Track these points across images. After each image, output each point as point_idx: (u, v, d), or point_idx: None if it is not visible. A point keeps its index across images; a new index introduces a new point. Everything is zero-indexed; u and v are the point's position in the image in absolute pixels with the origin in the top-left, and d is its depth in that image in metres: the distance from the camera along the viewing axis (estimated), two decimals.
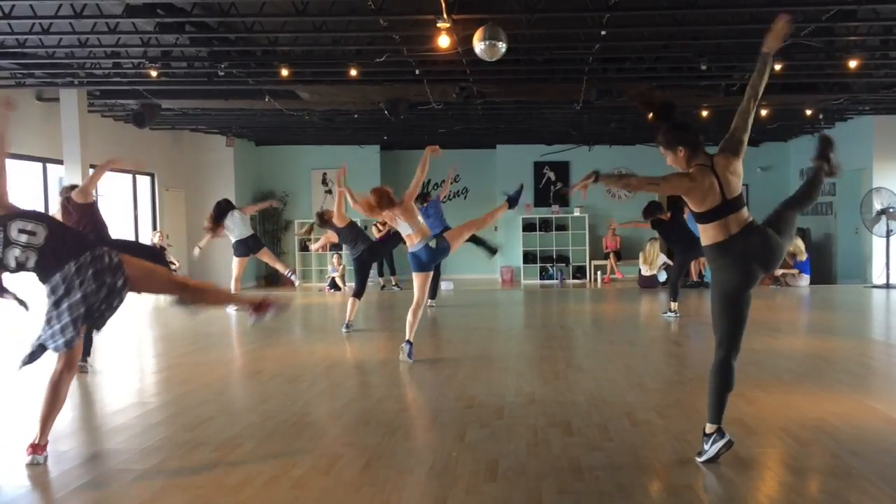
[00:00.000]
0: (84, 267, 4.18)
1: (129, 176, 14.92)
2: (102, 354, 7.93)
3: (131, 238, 13.83)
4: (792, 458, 4.30)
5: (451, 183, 12.59)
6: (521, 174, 18.23)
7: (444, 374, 6.75)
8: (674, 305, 10.19)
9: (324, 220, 9.75)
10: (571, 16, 8.30)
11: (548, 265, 17.97)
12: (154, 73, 10.15)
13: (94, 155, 11.57)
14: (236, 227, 11.19)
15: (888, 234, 14.08)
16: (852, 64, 9.75)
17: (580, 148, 18.10)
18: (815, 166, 4.62)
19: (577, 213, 17.88)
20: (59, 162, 11.61)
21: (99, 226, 6.94)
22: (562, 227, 17.96)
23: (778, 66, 9.23)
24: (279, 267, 11.68)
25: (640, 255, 15.94)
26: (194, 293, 4.75)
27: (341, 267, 16.39)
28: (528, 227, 17.83)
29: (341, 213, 9.53)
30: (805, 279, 14.94)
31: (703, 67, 9.87)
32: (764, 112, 13.13)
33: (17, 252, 4.16)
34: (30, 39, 9.02)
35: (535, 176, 18.36)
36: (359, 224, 10.54)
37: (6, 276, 4.34)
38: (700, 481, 3.93)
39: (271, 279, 17.43)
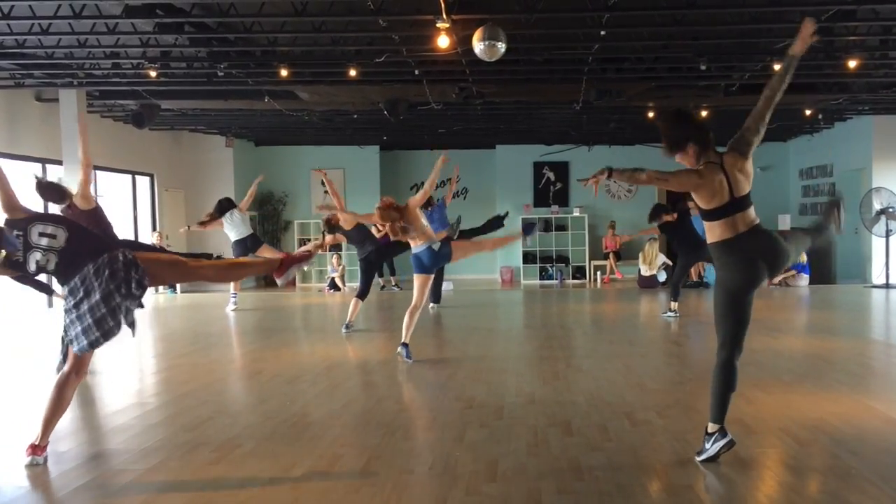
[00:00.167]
0: (101, 268, 4.20)
1: (129, 176, 14.93)
2: (102, 355, 7.91)
3: (131, 238, 13.80)
4: (792, 458, 4.30)
5: (456, 182, 12.61)
6: (520, 174, 18.31)
7: (444, 375, 6.75)
8: (674, 305, 10.20)
9: (331, 225, 9.76)
10: (571, 16, 8.31)
11: (547, 265, 17.98)
12: (153, 74, 10.15)
13: (94, 155, 11.51)
14: (236, 227, 11.16)
15: (888, 233, 14.09)
16: (852, 64, 9.76)
17: (580, 148, 18.11)
18: (824, 225, 4.60)
19: (576, 214, 17.89)
20: (59, 162, 11.60)
21: (106, 228, 6.91)
22: (561, 227, 17.96)
23: (777, 67, 9.21)
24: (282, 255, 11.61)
25: (640, 255, 15.96)
26: (216, 269, 4.89)
27: (341, 267, 16.40)
28: (528, 227, 17.78)
29: (344, 214, 9.53)
30: (805, 279, 14.96)
31: (703, 67, 9.88)
32: None
33: (38, 255, 4.21)
34: (29, 40, 9.02)
35: (535, 176, 18.38)
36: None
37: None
38: (700, 481, 3.93)
39: (271, 279, 17.35)
